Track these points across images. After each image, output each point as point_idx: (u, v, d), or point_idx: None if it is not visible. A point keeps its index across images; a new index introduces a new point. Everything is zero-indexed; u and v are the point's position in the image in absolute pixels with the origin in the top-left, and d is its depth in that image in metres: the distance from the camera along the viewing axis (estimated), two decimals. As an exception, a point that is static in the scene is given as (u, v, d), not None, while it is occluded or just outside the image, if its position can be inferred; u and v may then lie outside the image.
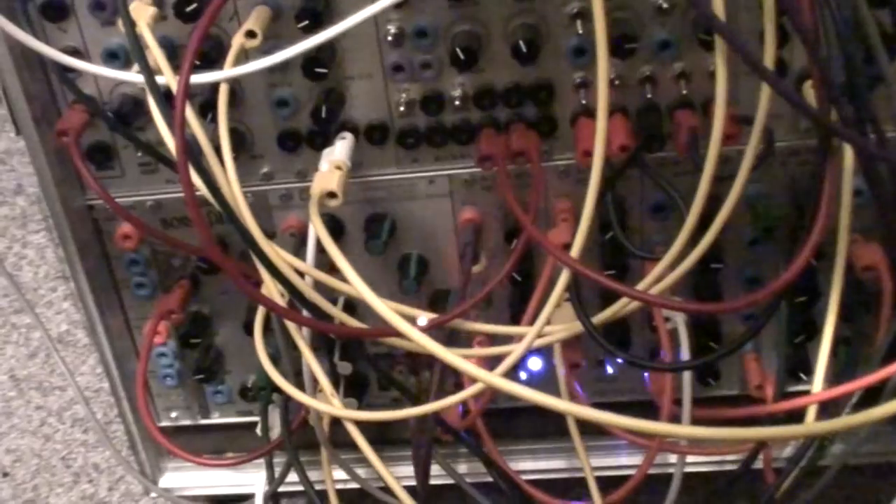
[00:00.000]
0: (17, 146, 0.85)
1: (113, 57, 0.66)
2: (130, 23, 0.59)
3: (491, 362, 0.64)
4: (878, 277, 0.64)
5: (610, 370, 0.78)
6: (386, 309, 0.59)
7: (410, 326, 0.58)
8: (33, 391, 0.94)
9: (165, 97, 0.59)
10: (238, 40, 0.62)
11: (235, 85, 0.67)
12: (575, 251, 0.59)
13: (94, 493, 0.94)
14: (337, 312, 0.65)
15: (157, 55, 0.60)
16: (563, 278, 0.61)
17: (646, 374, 0.74)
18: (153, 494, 0.85)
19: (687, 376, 0.67)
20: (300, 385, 0.67)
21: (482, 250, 0.71)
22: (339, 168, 0.64)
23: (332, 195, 0.62)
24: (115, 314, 0.77)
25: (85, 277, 0.74)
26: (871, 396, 0.60)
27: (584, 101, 0.66)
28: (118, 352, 0.78)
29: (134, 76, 0.62)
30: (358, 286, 0.60)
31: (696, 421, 0.68)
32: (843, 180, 0.58)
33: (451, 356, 0.56)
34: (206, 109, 0.66)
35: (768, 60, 0.55)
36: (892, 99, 0.59)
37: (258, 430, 0.77)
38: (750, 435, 0.53)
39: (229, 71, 0.61)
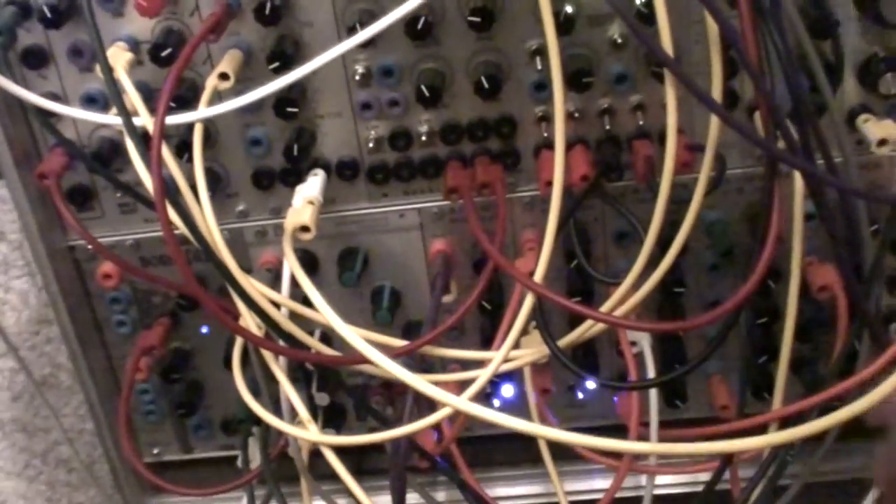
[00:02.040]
0: (-1, 194, 0.87)
1: (91, 101, 0.69)
2: (108, 68, 0.62)
3: (463, 387, 0.66)
4: (832, 297, 0.66)
5: (580, 395, 0.80)
6: (353, 335, 0.61)
7: (377, 352, 0.60)
8: (17, 433, 0.95)
9: (143, 139, 0.61)
10: (212, 82, 0.64)
11: (210, 126, 0.69)
12: (538, 276, 0.62)
13: (79, 532, 0.95)
14: (312, 341, 0.67)
15: (133, 98, 0.63)
16: (528, 303, 0.63)
17: (615, 399, 0.76)
18: (137, 531, 0.86)
19: (653, 397, 0.69)
20: (279, 416, 0.69)
21: (452, 280, 0.73)
22: (311, 203, 0.66)
23: (305, 229, 0.64)
24: (97, 352, 0.79)
25: (67, 316, 0.76)
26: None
27: (545, 134, 0.68)
28: (101, 389, 0.80)
29: (112, 119, 0.64)
30: (326, 314, 0.62)
31: (662, 440, 0.70)
32: (795, 204, 0.60)
33: (417, 380, 0.58)
34: (182, 150, 0.68)
35: (716, 92, 0.58)
36: (835, 125, 0.62)
37: (239, 463, 0.78)
38: (711, 449, 0.55)
39: (203, 111, 0.63)
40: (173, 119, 0.62)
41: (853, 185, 0.63)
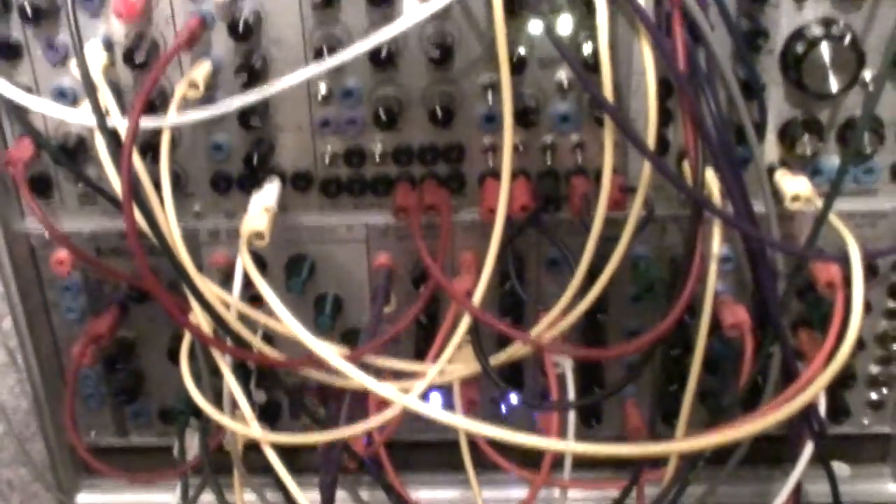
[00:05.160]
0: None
1: (61, 95, 0.71)
2: (86, 67, 0.64)
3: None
4: (741, 335, 0.72)
5: (503, 409, 0.84)
6: (312, 339, 0.65)
7: (333, 354, 0.64)
8: (-52, 407, 0.96)
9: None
10: (181, 90, 0.67)
11: (174, 129, 0.72)
12: (476, 298, 0.66)
13: (6, 509, 0.96)
14: (257, 342, 0.70)
15: (107, 98, 0.66)
16: (465, 322, 0.67)
17: (535, 415, 0.81)
18: (67, 511, 0.88)
19: (571, 416, 0.74)
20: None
21: (393, 293, 0.77)
22: (267, 211, 0.70)
23: (259, 236, 0.68)
24: (44, 334, 0.82)
25: (18, 298, 0.78)
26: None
27: (490, 164, 0.73)
28: (45, 370, 0.82)
29: (85, 118, 0.67)
30: (285, 319, 0.65)
31: (577, 457, 0.75)
32: (712, 247, 0.66)
33: (373, 383, 0.62)
34: (146, 150, 0.71)
35: (651, 139, 0.63)
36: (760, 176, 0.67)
37: (175, 453, 0.81)
38: (620, 452, 0.61)
39: (173, 118, 0.66)
40: (144, 123, 0.66)
41: (761, 235, 0.68)
